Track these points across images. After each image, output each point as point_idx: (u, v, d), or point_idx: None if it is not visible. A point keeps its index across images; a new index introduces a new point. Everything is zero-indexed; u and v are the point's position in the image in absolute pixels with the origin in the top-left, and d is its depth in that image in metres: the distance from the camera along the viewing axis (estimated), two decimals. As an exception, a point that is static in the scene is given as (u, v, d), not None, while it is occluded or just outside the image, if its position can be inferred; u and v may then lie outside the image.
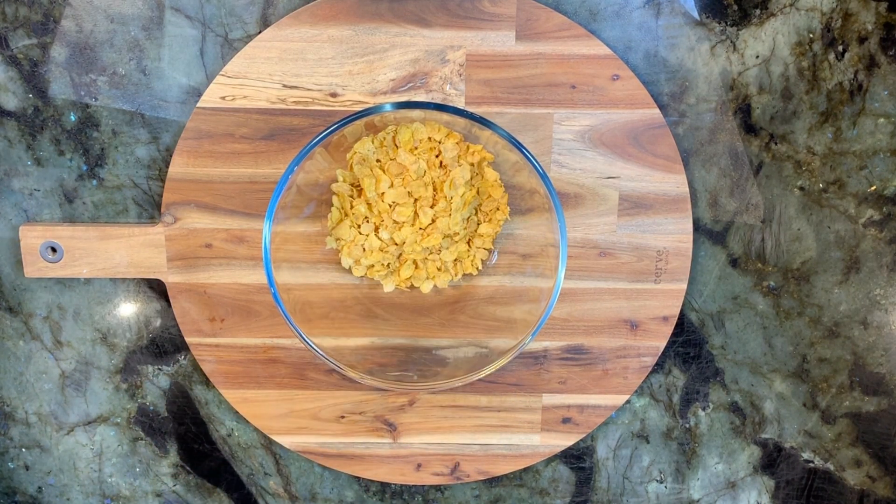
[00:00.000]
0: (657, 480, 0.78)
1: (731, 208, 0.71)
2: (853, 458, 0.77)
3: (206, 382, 0.74)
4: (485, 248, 0.68)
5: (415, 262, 0.68)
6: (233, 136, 0.67)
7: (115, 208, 0.70)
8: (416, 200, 0.65)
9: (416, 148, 0.65)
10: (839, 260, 0.72)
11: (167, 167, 0.68)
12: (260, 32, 0.65)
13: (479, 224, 0.68)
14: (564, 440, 0.74)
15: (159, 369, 0.74)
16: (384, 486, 0.77)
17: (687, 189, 0.69)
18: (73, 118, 0.68)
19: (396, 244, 0.67)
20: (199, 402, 0.74)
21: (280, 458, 0.76)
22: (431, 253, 0.67)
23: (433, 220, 0.66)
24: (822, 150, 0.70)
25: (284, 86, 0.66)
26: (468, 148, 0.66)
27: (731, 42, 0.68)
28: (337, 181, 0.66)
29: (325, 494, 0.78)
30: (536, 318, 0.64)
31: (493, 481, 0.77)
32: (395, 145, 0.65)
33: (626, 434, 0.76)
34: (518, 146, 0.61)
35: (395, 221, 0.66)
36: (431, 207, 0.65)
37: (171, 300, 0.70)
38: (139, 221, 0.71)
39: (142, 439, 0.76)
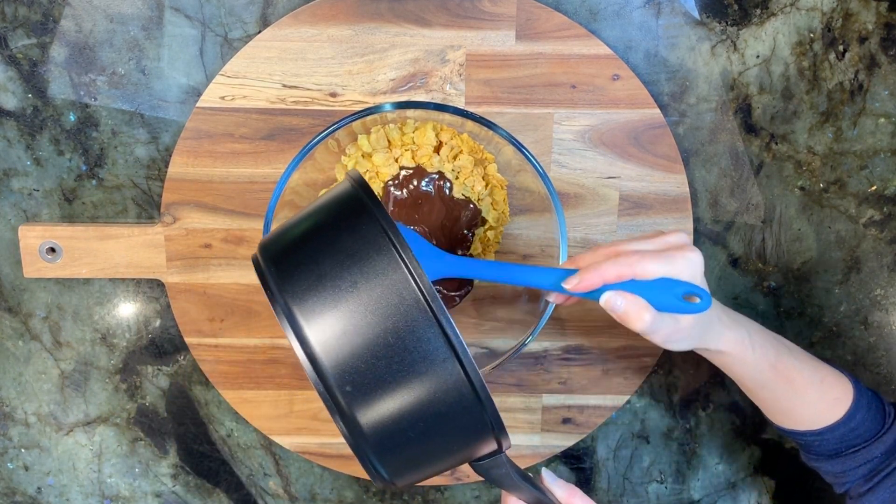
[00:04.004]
0: (657, 481, 0.78)
1: (732, 208, 0.71)
2: (853, 458, 0.77)
3: (206, 383, 0.74)
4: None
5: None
6: (232, 136, 0.67)
7: (114, 208, 0.70)
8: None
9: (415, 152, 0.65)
10: (840, 260, 0.72)
11: (167, 167, 0.68)
12: (260, 32, 0.65)
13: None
14: (564, 440, 0.74)
15: (159, 369, 0.74)
16: (384, 487, 0.77)
17: (687, 189, 0.69)
18: (72, 118, 0.68)
19: None
20: (199, 402, 0.74)
21: (280, 458, 0.76)
22: None
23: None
24: (823, 150, 0.70)
25: (284, 86, 0.66)
26: (484, 168, 0.66)
27: (732, 42, 0.68)
28: (334, 185, 0.66)
29: (325, 494, 0.78)
30: (536, 318, 0.64)
31: (493, 481, 0.77)
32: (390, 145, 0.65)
33: (626, 434, 0.76)
34: (518, 146, 0.61)
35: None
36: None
37: (170, 300, 0.70)
38: (139, 221, 0.71)
39: (141, 439, 0.76)
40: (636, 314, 0.52)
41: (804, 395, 0.61)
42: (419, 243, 0.56)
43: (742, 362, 0.60)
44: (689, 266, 0.53)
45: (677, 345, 0.56)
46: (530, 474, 0.57)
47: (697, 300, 0.52)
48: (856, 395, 0.62)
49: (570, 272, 0.53)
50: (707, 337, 0.57)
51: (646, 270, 0.52)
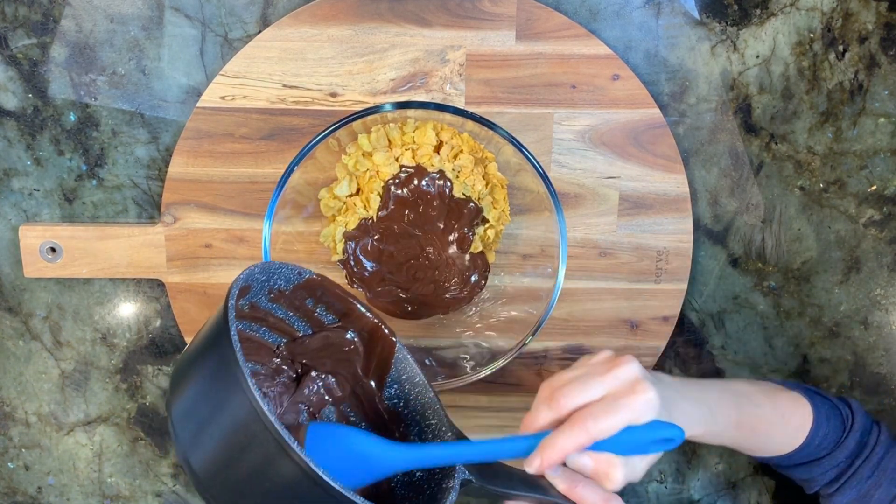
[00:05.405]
0: (657, 481, 0.78)
1: (732, 208, 0.71)
2: (853, 458, 0.77)
3: (206, 382, 0.74)
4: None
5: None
6: (233, 136, 0.67)
7: (114, 208, 0.70)
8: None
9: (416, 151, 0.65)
10: (839, 260, 0.72)
11: (167, 167, 0.68)
12: (260, 32, 0.65)
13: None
14: (564, 440, 0.74)
15: (159, 369, 0.74)
16: (384, 487, 0.77)
17: (687, 189, 0.69)
18: (72, 118, 0.68)
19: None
20: (199, 402, 0.74)
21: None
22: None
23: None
24: (823, 150, 0.70)
25: (284, 86, 0.66)
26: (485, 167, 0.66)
27: (732, 42, 0.68)
28: (335, 183, 0.66)
29: (325, 494, 0.78)
30: (536, 318, 0.64)
31: (493, 481, 0.77)
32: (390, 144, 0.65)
33: (626, 434, 0.76)
34: (518, 146, 0.61)
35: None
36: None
37: (171, 300, 0.70)
38: (139, 221, 0.71)
39: (142, 439, 0.76)
40: (605, 475, 0.49)
41: (769, 435, 0.62)
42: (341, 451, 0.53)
43: (707, 436, 0.59)
44: (649, 407, 0.49)
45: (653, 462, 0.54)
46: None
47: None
48: (814, 415, 0.62)
49: (531, 442, 0.50)
50: None
51: (603, 431, 0.48)
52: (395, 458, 0.51)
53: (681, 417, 0.54)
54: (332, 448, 0.52)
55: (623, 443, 0.49)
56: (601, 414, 0.48)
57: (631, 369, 0.51)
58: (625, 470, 0.49)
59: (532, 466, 0.50)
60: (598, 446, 0.49)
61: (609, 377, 0.50)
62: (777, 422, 0.62)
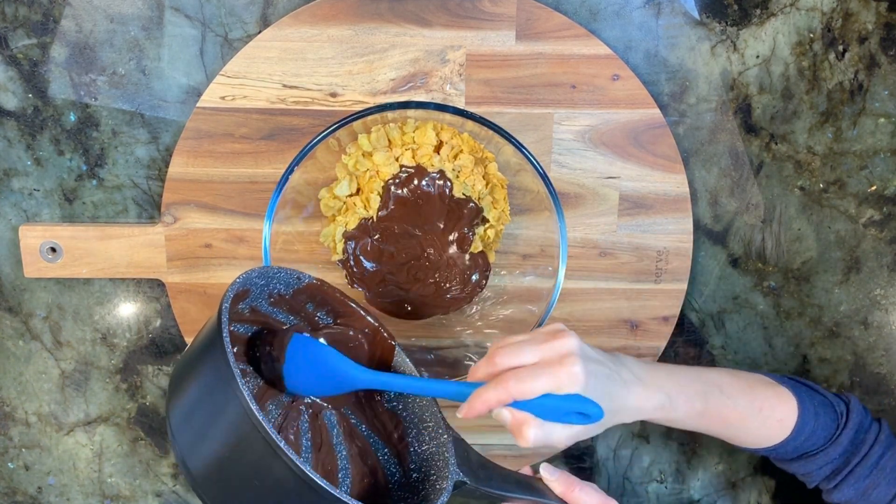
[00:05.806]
0: (657, 481, 0.78)
1: (732, 208, 0.71)
2: (853, 458, 0.77)
3: (206, 382, 0.74)
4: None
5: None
6: (232, 136, 0.67)
7: (114, 208, 0.70)
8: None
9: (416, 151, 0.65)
10: (839, 260, 0.72)
11: (167, 167, 0.68)
12: (260, 32, 0.65)
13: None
14: (564, 440, 0.74)
15: (159, 369, 0.74)
16: (384, 487, 0.77)
17: (687, 189, 0.69)
18: (72, 118, 0.68)
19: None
20: (199, 402, 0.74)
21: (280, 458, 0.76)
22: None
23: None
24: (823, 150, 0.70)
25: (284, 86, 0.66)
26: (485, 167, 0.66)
27: (732, 42, 0.68)
28: (335, 183, 0.66)
29: (325, 494, 0.78)
30: (537, 317, 0.64)
31: (493, 481, 0.77)
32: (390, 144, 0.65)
33: (626, 434, 0.76)
34: (518, 146, 0.61)
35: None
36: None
37: (171, 300, 0.70)
38: (139, 221, 0.71)
39: (142, 439, 0.76)
40: (518, 431, 0.52)
41: (744, 427, 0.62)
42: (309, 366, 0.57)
43: (668, 421, 0.59)
44: (573, 380, 0.51)
45: (586, 435, 0.55)
46: (530, 472, 0.58)
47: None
48: (800, 410, 0.62)
49: (468, 389, 0.53)
50: (621, 414, 0.56)
51: (524, 391, 0.51)
52: (357, 376, 0.56)
53: (633, 400, 0.55)
54: (309, 359, 0.56)
55: (542, 407, 0.52)
56: (525, 377, 0.51)
57: (567, 343, 0.53)
58: (538, 431, 0.52)
59: (460, 411, 0.53)
60: (521, 406, 0.52)
61: (545, 346, 0.53)
62: (753, 415, 0.61)
